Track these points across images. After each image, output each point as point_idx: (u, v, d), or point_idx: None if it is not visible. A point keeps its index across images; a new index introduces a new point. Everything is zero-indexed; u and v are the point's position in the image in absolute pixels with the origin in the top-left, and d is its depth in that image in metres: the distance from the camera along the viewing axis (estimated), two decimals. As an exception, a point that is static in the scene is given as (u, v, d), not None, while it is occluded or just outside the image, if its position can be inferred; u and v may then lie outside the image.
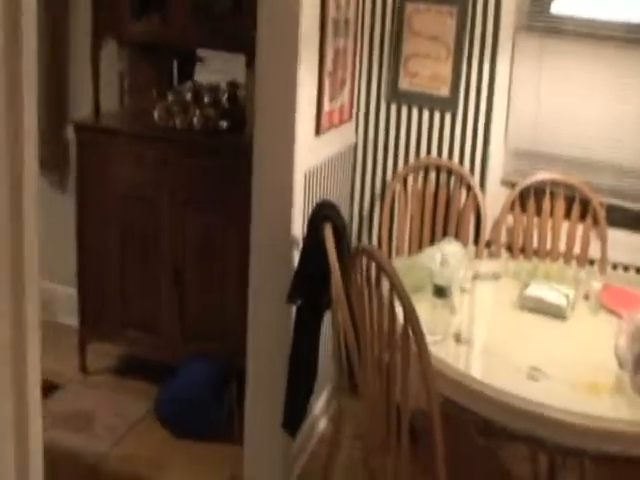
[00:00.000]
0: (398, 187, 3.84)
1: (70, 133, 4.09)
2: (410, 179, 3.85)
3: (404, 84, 3.78)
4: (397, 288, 2.24)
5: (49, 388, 3.96)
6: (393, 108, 3.85)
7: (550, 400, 2.28)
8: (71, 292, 4.37)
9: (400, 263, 3.07)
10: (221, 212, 3.69)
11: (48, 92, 4.36)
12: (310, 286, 2.99)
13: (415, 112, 3.81)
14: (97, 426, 3.73)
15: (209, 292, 3.80)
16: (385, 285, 2.28)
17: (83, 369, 4.15)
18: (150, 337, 3.96)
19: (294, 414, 3.12)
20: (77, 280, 4.09)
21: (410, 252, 3.78)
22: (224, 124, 3.80)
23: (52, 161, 4.46)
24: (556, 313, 2.80)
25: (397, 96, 3.82)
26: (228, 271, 3.72)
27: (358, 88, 3.86)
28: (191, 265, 3.80)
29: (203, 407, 3.60)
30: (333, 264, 2.73)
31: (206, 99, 3.87)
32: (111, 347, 4.17)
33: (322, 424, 3.77)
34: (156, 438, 3.65)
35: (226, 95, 3.95)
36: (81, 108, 4.24)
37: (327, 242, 2.80)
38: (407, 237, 3.86)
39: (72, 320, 4.28)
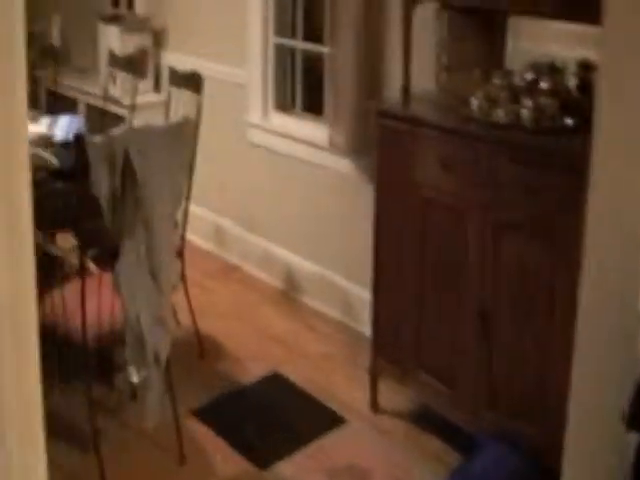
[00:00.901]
0: None
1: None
2: None
3: None
4: None
5: (333, 421, 3.41)
6: None
7: None
8: (366, 296, 3.61)
9: None
10: (549, 245, 2.68)
11: (360, 64, 3.68)
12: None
13: None
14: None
15: (525, 351, 2.80)
16: None
17: (374, 405, 3.45)
18: (447, 388, 3.09)
19: None
20: (372, 295, 3.37)
21: None
22: (569, 121, 2.75)
23: (358, 143, 3.79)
24: None
25: None
26: (553, 327, 2.69)
27: None
28: (503, 310, 2.84)
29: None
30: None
31: (544, 84, 2.82)
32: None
33: None
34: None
35: (575, 80, 2.86)
36: (394, 84, 3.47)
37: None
38: None
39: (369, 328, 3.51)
